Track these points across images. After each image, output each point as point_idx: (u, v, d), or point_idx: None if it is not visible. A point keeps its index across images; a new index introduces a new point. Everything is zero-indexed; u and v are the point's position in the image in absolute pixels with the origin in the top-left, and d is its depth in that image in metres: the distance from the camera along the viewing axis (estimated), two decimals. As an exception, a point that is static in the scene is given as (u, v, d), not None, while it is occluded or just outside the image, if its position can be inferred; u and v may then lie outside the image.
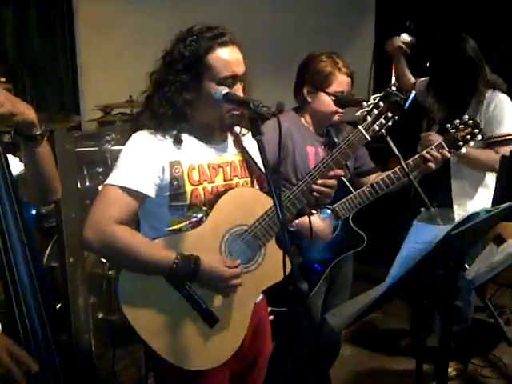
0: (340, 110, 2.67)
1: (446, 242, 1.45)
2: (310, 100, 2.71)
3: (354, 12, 6.01)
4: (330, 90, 2.65)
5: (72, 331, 2.98)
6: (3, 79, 4.08)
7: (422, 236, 1.49)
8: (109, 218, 1.84)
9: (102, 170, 3.80)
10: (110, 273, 3.50)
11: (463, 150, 2.63)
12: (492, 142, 3.07)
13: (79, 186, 3.49)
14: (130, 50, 5.21)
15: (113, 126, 4.34)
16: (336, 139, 2.77)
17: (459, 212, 3.14)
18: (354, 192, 2.67)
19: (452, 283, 1.72)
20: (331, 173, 2.19)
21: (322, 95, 2.67)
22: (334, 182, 2.18)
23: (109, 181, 1.89)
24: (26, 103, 1.59)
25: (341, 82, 2.65)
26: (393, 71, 4.10)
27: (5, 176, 1.52)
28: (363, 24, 6.09)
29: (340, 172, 2.22)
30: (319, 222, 2.57)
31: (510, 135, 3.10)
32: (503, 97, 3.16)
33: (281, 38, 5.59)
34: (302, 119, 2.77)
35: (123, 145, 3.67)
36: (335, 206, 2.66)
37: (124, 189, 1.86)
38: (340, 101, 2.63)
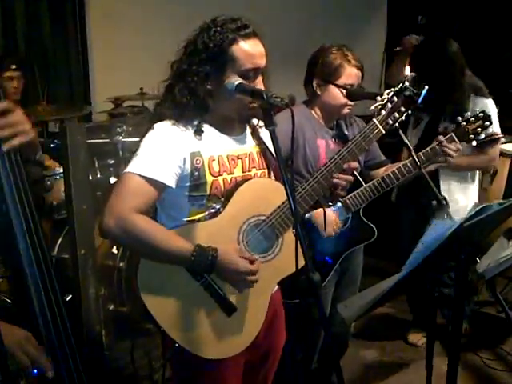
0: (349, 102, 2.66)
1: (458, 234, 1.44)
2: (319, 93, 2.70)
3: (366, 7, 6.00)
4: (340, 82, 2.64)
5: (83, 322, 3.00)
6: (14, 66, 4.08)
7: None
8: (130, 206, 1.84)
9: (113, 161, 3.81)
10: (120, 265, 3.50)
11: (474, 143, 2.64)
12: (480, 143, 3.07)
13: (90, 177, 3.49)
14: (141, 41, 5.21)
15: (123, 118, 4.35)
16: (346, 132, 2.78)
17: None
18: (365, 185, 2.67)
19: (463, 276, 1.72)
20: (345, 165, 2.19)
21: (332, 88, 2.66)
22: (349, 176, 2.19)
23: (130, 169, 1.88)
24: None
25: (350, 75, 2.64)
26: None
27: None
28: (375, 18, 6.08)
29: (355, 164, 2.22)
30: (330, 215, 2.58)
31: (496, 134, 3.18)
32: (487, 101, 3.25)
33: (293, 32, 5.58)
34: (313, 112, 2.76)
35: (135, 137, 3.77)
36: (346, 198, 2.66)
37: (145, 178, 1.86)
38: (351, 93, 2.63)
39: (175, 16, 5.12)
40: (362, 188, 2.67)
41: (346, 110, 2.69)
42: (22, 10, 4.89)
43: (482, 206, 1.60)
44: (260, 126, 2.14)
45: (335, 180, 2.16)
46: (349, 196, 2.66)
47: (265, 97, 1.68)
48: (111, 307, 3.54)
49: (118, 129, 3.74)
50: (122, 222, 1.83)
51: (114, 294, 3.53)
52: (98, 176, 3.76)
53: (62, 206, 3.30)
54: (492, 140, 3.14)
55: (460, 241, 1.57)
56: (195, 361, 1.96)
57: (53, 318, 1.51)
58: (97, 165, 3.75)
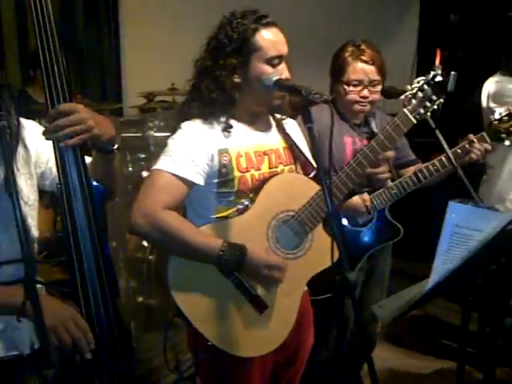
0: (358, 99, 2.62)
1: (501, 236, 1.42)
2: (334, 90, 2.70)
3: (398, 4, 5.95)
4: (345, 78, 2.62)
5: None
6: None
7: (473, 222, 1.46)
8: (159, 203, 1.85)
9: (144, 156, 3.84)
10: (150, 257, 3.53)
11: (506, 143, 2.59)
12: None
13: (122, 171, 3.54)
14: (173, 37, 5.25)
15: (154, 113, 4.38)
16: (376, 130, 2.74)
17: None
18: (391, 183, 2.65)
19: (504, 281, 1.68)
20: (380, 156, 2.17)
21: (339, 85, 2.65)
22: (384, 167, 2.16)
23: (159, 166, 1.90)
24: (108, 119, 1.65)
25: (354, 70, 2.60)
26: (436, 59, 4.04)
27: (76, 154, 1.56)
28: (407, 17, 6.02)
29: (391, 153, 2.18)
30: (356, 199, 2.57)
31: None
32: None
33: (323, 31, 5.55)
34: (339, 109, 2.73)
35: (166, 132, 3.80)
36: (371, 196, 2.65)
37: (175, 176, 1.88)
38: (386, 92, 2.60)
39: (205, 12, 5.12)
40: (388, 186, 2.64)
41: (357, 107, 2.66)
42: (58, 8, 4.95)
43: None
44: (282, 119, 2.15)
45: (368, 170, 2.13)
46: (375, 193, 2.65)
47: (304, 93, 1.67)
48: (140, 299, 3.56)
49: (150, 123, 3.78)
50: (150, 218, 1.84)
51: (143, 287, 3.56)
52: (130, 169, 3.78)
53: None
54: None
55: (501, 243, 1.53)
56: (224, 358, 1.96)
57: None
58: (128, 158, 3.78)
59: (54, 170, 1.63)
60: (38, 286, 1.68)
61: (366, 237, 2.72)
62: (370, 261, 2.81)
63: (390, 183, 2.63)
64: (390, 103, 2.72)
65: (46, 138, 1.52)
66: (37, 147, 1.71)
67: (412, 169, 2.80)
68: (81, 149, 1.57)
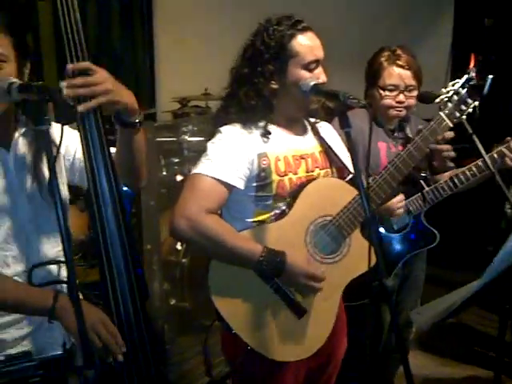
0: (394, 104, 2.60)
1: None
2: (369, 95, 2.68)
3: (432, 8, 5.89)
4: (380, 83, 2.60)
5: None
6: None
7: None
8: (201, 207, 1.86)
9: (177, 160, 3.88)
10: (183, 261, 3.57)
11: None
12: None
13: (155, 175, 3.58)
14: (206, 43, 5.28)
15: (187, 117, 4.42)
16: (410, 135, 2.70)
17: None
18: (427, 188, 2.63)
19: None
20: (440, 137, 2.13)
21: (375, 90, 2.63)
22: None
23: (200, 170, 1.91)
24: (129, 91, 1.62)
25: (390, 75, 2.58)
26: (471, 63, 3.99)
27: (105, 158, 1.57)
28: (441, 20, 5.96)
29: (450, 134, 2.16)
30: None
31: None
32: None
33: (356, 34, 5.54)
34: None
35: (199, 136, 3.83)
36: (407, 201, 2.63)
37: (216, 180, 1.89)
38: (423, 97, 2.58)
39: (239, 18, 5.15)
40: (424, 191, 2.61)
41: (393, 113, 2.63)
42: (94, 13, 5.05)
43: None
44: (316, 123, 2.15)
45: (432, 146, 2.10)
46: (410, 199, 2.63)
47: (341, 98, 1.67)
48: (173, 302, 3.59)
49: (184, 128, 3.83)
50: (192, 222, 1.85)
51: (176, 290, 3.59)
52: (164, 174, 3.83)
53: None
54: None
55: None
56: (261, 363, 1.96)
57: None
58: (162, 163, 3.83)
59: (83, 160, 1.61)
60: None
61: (402, 243, 2.69)
62: (404, 267, 2.78)
63: (426, 188, 2.60)
64: (424, 108, 2.70)
65: (66, 95, 1.46)
66: (64, 140, 1.72)
67: (447, 174, 2.77)
68: (108, 149, 1.58)
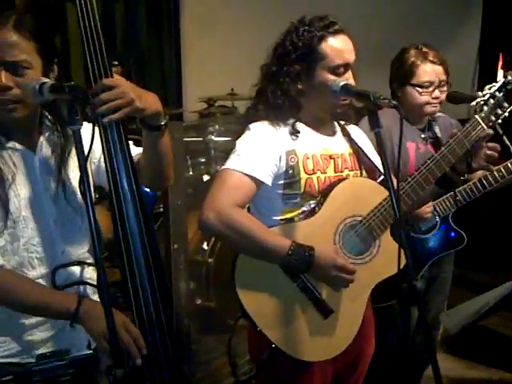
0: (431, 100, 2.59)
1: None
2: (399, 95, 2.65)
3: (459, 6, 5.83)
4: (415, 81, 2.59)
5: (173, 315, 3.07)
6: (116, 62, 4.26)
7: None
8: (231, 201, 1.88)
9: (204, 160, 3.90)
10: (209, 260, 3.57)
11: None
12: None
13: (182, 175, 3.59)
14: (232, 43, 5.29)
15: (213, 117, 4.44)
16: (439, 134, 2.70)
17: None
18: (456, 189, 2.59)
19: None
20: (483, 133, 2.10)
21: (408, 88, 2.61)
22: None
23: (229, 165, 1.93)
24: (153, 94, 1.64)
25: (425, 71, 2.57)
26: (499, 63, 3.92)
27: (125, 159, 1.60)
28: (469, 19, 5.89)
29: (489, 131, 2.14)
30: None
31: None
32: None
33: (382, 33, 5.50)
34: None
35: (226, 136, 3.84)
36: (435, 202, 2.60)
37: (246, 175, 1.90)
38: (452, 97, 2.57)
39: (265, 17, 5.16)
40: (452, 192, 2.59)
41: (429, 109, 2.62)
42: (122, 14, 5.10)
43: None
44: (346, 124, 2.15)
45: (481, 143, 2.08)
46: (438, 200, 2.60)
47: (372, 98, 1.66)
48: (199, 302, 3.61)
49: (211, 128, 3.84)
50: (221, 215, 1.87)
51: (202, 289, 3.60)
52: (190, 173, 3.85)
53: (158, 200, 3.39)
54: None
55: None
56: (286, 362, 1.96)
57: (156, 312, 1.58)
58: (189, 162, 3.85)
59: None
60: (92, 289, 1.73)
61: (429, 244, 2.68)
62: (431, 269, 2.76)
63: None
64: (452, 107, 2.67)
65: (91, 115, 1.52)
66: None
67: (479, 173, 2.73)
68: (129, 150, 1.60)
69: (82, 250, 1.73)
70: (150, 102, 1.59)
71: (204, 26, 5.38)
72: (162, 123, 1.65)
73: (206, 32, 5.38)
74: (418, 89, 2.59)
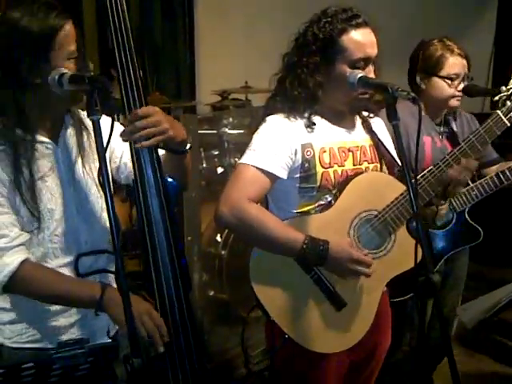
0: (457, 93, 2.57)
1: None
2: (423, 87, 2.63)
3: (475, 2, 5.79)
4: (443, 73, 2.57)
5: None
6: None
7: None
8: (246, 195, 1.89)
9: (217, 153, 3.90)
10: (222, 252, 3.58)
11: None
12: None
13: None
14: (247, 36, 5.30)
15: (227, 110, 4.44)
16: (455, 129, 2.69)
17: None
18: (472, 184, 2.58)
19: None
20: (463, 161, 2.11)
21: (436, 80, 2.59)
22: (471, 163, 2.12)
23: (245, 160, 1.93)
24: (178, 122, 1.70)
25: (453, 64, 2.56)
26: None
27: (150, 148, 1.62)
28: (484, 15, 5.85)
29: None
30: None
31: None
32: None
33: (398, 28, 5.47)
34: None
35: (239, 129, 3.84)
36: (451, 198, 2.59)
37: (260, 170, 1.90)
38: (469, 89, 2.55)
39: (281, 11, 5.15)
40: (469, 187, 2.58)
41: (454, 102, 2.60)
42: (136, 6, 5.10)
43: None
44: (370, 117, 2.13)
45: (450, 172, 2.09)
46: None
47: (390, 90, 1.64)
48: (212, 293, 3.62)
49: (225, 121, 3.84)
50: (236, 210, 1.87)
51: (215, 281, 3.61)
52: (204, 166, 3.85)
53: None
54: None
55: None
56: (300, 353, 1.97)
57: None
58: (202, 155, 3.85)
59: (129, 164, 1.70)
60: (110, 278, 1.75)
61: (445, 239, 2.66)
62: (446, 264, 2.75)
63: (471, 183, 2.55)
64: (465, 101, 2.66)
65: (124, 140, 1.59)
66: (110, 143, 1.76)
67: (495, 168, 2.72)
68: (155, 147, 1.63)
69: (103, 239, 1.74)
70: (177, 130, 1.64)
71: (218, 19, 5.39)
72: (186, 149, 1.71)
73: (220, 25, 5.38)
74: (447, 81, 2.57)
